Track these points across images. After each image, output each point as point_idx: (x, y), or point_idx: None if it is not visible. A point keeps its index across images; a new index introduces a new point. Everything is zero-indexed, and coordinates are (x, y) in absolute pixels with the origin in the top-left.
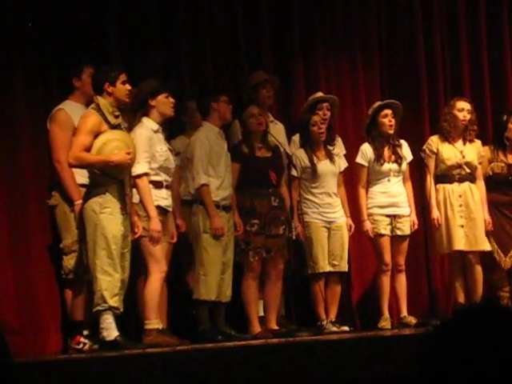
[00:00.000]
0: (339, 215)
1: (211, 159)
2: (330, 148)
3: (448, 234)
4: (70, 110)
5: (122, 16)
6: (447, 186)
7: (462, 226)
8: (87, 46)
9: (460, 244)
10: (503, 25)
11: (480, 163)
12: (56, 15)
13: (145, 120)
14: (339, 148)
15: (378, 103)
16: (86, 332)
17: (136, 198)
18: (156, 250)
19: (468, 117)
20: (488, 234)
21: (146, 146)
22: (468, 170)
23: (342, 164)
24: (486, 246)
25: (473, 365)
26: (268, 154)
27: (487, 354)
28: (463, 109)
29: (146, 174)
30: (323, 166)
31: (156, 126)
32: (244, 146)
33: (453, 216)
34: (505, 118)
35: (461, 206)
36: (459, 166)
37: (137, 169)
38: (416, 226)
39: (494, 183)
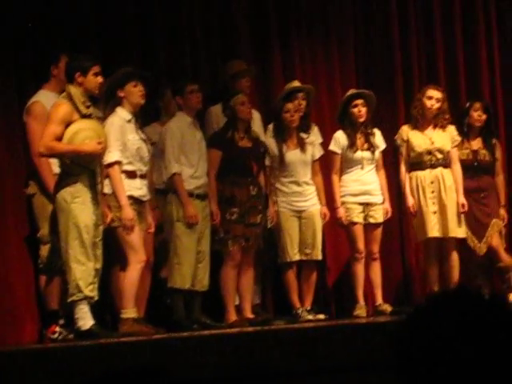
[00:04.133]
0: (310, 204)
1: (183, 148)
2: (304, 136)
3: (422, 221)
4: (46, 100)
5: (98, 6)
6: (419, 173)
7: (435, 213)
8: (63, 35)
9: (434, 231)
10: (478, 13)
11: (456, 146)
12: (31, 3)
13: (118, 110)
14: (314, 136)
15: (350, 92)
16: (61, 321)
17: (108, 189)
18: (133, 239)
19: (436, 105)
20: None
21: (118, 135)
22: (440, 156)
23: (317, 152)
24: (459, 232)
25: (446, 351)
26: (249, 144)
27: (460, 339)
28: (432, 97)
29: (118, 163)
30: (292, 155)
31: (129, 116)
32: (230, 135)
33: (425, 203)
34: (467, 105)
35: (433, 192)
36: (429, 153)
37: (108, 157)
38: (389, 215)
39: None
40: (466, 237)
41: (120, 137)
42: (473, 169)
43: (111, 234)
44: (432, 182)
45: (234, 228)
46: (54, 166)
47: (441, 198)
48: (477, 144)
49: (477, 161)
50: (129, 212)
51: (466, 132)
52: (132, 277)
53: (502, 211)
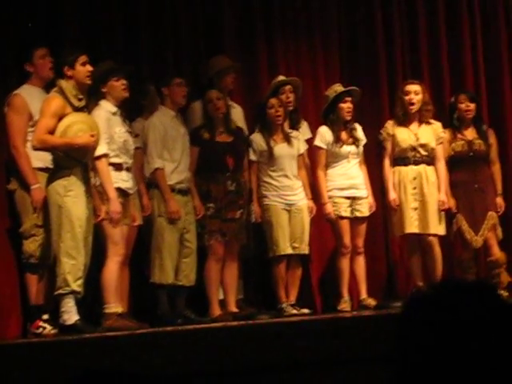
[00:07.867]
0: (299, 198)
1: (166, 143)
2: (289, 131)
3: (401, 216)
4: (27, 94)
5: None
6: (402, 168)
7: (416, 209)
8: (42, 31)
9: (412, 227)
10: (461, 8)
11: (441, 143)
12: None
13: (102, 103)
14: (303, 131)
15: (338, 88)
16: (45, 316)
17: (96, 181)
18: (115, 233)
19: (416, 98)
20: (456, 213)
21: (105, 128)
22: (424, 153)
23: (302, 146)
24: (439, 229)
25: (448, 345)
26: (229, 138)
27: (462, 332)
28: (409, 91)
29: (105, 156)
30: (280, 149)
31: (114, 109)
32: (204, 131)
33: (405, 199)
34: (453, 99)
35: (415, 188)
36: (414, 149)
37: (96, 150)
38: (374, 208)
39: (457, 162)
40: (463, 230)
41: (107, 129)
42: (469, 160)
43: (98, 228)
44: (414, 178)
45: (209, 223)
46: (34, 159)
47: (423, 195)
48: (471, 134)
49: (472, 151)
50: (117, 205)
51: (457, 126)
52: (111, 271)
53: (499, 200)
